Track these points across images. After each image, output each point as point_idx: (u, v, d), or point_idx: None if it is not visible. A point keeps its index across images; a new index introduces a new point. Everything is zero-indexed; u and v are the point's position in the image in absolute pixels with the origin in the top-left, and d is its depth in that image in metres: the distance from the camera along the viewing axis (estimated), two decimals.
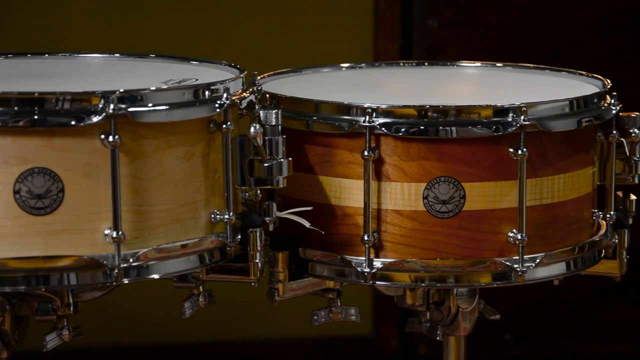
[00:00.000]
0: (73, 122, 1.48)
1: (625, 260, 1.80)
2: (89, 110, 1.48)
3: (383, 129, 1.64)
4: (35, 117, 1.47)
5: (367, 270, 1.67)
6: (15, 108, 1.46)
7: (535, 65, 1.97)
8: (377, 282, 1.67)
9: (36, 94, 1.47)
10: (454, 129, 1.64)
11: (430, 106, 1.64)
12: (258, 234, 1.64)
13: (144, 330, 2.79)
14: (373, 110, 1.64)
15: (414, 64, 2.05)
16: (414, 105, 1.65)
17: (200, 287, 1.70)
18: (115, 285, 1.57)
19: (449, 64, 2.03)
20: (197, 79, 1.66)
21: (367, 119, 1.64)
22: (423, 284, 1.69)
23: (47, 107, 1.47)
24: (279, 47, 2.73)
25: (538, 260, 1.68)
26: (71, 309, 1.64)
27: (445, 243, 1.65)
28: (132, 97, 1.51)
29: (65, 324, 1.65)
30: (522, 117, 1.64)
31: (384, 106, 1.64)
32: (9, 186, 1.47)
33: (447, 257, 1.66)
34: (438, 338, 1.84)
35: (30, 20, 2.59)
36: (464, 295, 1.79)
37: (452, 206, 1.65)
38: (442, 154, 1.64)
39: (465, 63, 2.02)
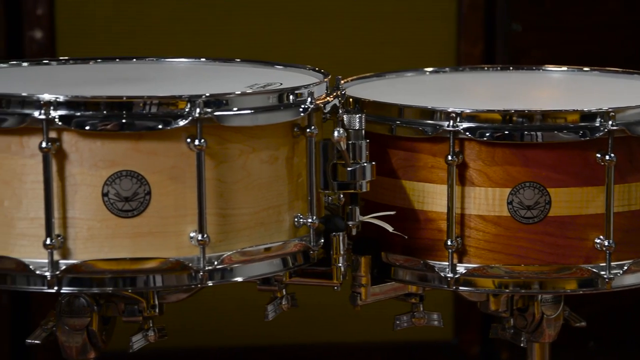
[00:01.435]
0: (160, 126, 1.50)
1: None
2: (175, 114, 1.50)
3: (467, 133, 1.63)
4: (124, 120, 1.49)
5: (450, 275, 1.66)
6: (104, 112, 1.49)
7: (624, 70, 1.94)
8: (460, 288, 1.66)
9: (124, 98, 1.50)
10: (539, 133, 1.62)
11: (515, 111, 1.63)
12: (341, 238, 1.65)
13: (227, 332, 2.81)
14: (457, 114, 1.63)
15: (499, 68, 2.03)
16: (498, 110, 1.64)
17: (284, 290, 1.71)
18: (200, 288, 1.59)
19: (534, 68, 2.01)
20: (281, 84, 1.67)
21: (451, 123, 1.63)
22: (507, 290, 1.67)
23: (135, 111, 1.50)
24: (362, 52, 2.73)
25: (626, 267, 1.66)
26: (157, 310, 1.66)
27: (530, 249, 1.64)
28: (218, 101, 1.52)
29: (151, 325, 1.67)
30: (610, 122, 1.62)
31: (468, 110, 1.63)
32: (97, 189, 1.50)
33: (532, 263, 1.64)
34: (522, 345, 1.82)
35: (117, 25, 2.63)
36: (549, 302, 1.77)
37: (537, 212, 1.63)
38: (527, 159, 1.63)
39: (551, 67, 2.00)
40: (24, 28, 2.59)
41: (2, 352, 2.62)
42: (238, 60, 1.87)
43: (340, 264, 1.65)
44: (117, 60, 1.90)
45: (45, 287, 1.50)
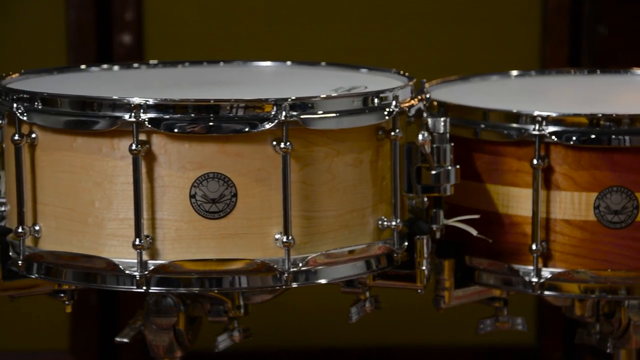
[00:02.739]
0: (247, 129, 1.52)
1: None
2: (262, 117, 1.52)
3: (553, 137, 1.62)
4: (211, 123, 1.51)
5: (535, 279, 1.65)
6: (192, 115, 1.51)
7: None
8: (545, 292, 1.65)
9: (212, 101, 1.52)
10: (627, 137, 1.60)
11: (602, 114, 1.62)
12: (425, 241, 1.65)
13: (310, 333, 2.83)
14: (543, 118, 1.63)
15: (585, 71, 2.01)
16: (585, 114, 1.62)
17: (367, 292, 1.71)
18: (285, 289, 1.61)
19: (621, 71, 1.98)
20: (366, 87, 1.68)
21: (536, 127, 1.63)
22: (593, 295, 1.66)
23: (222, 113, 1.52)
24: (446, 55, 2.72)
25: None
26: (242, 311, 1.68)
27: (617, 254, 1.62)
28: (304, 104, 1.54)
29: (236, 325, 1.69)
30: None
31: (554, 114, 1.62)
32: (185, 190, 1.53)
33: (619, 268, 1.62)
34: (608, 351, 1.80)
35: (204, 29, 2.66)
36: (636, 308, 1.75)
37: (624, 216, 1.62)
38: (615, 163, 1.61)
39: (639, 71, 1.97)
40: (113, 33, 2.64)
41: (91, 349, 2.68)
42: (323, 63, 1.89)
43: (424, 267, 1.65)
44: (205, 63, 1.92)
45: (134, 287, 1.53)
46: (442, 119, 1.63)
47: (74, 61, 2.59)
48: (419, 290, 1.66)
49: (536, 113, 1.63)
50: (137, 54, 2.64)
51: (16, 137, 1.56)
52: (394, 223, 1.62)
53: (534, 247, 1.64)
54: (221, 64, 1.92)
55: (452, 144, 1.64)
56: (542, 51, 2.78)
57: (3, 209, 1.68)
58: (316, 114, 1.54)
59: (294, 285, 1.55)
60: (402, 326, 2.83)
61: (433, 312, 1.76)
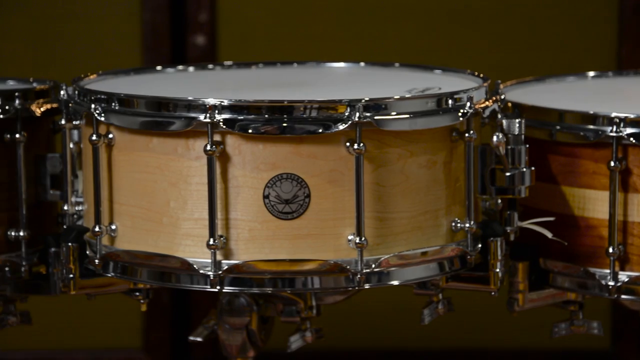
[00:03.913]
0: (320, 130, 1.52)
1: None
2: (335, 118, 1.52)
3: (631, 139, 1.59)
4: (285, 124, 1.52)
5: (611, 283, 1.63)
6: (266, 115, 1.52)
7: None
8: (622, 296, 1.63)
9: (285, 102, 1.52)
10: None
11: None
12: (499, 243, 1.63)
13: (382, 335, 2.82)
14: (621, 120, 1.60)
15: None
16: None
17: (440, 294, 1.71)
18: (357, 290, 1.60)
19: None
20: (440, 88, 1.67)
21: (614, 128, 1.60)
22: None
23: (295, 114, 1.52)
24: (521, 56, 2.70)
25: None
26: (314, 311, 1.68)
27: None
28: (377, 105, 1.53)
29: (308, 326, 1.69)
30: None
31: (632, 116, 1.60)
32: (259, 191, 1.53)
33: None
34: None
35: (277, 30, 2.67)
36: None
37: None
38: None
39: None
40: (187, 34, 2.66)
41: (164, 348, 2.70)
42: (397, 64, 1.88)
43: (497, 270, 1.64)
44: (279, 64, 1.93)
45: (208, 286, 1.54)
46: (517, 120, 1.62)
47: (148, 62, 2.62)
48: (493, 293, 1.65)
49: (613, 114, 1.61)
50: (210, 55, 2.66)
51: (94, 138, 1.58)
52: (467, 225, 1.61)
53: (610, 250, 1.62)
54: (295, 65, 1.93)
55: (527, 146, 1.62)
56: (619, 52, 2.74)
57: (80, 208, 1.70)
58: (390, 115, 1.54)
59: (367, 286, 1.55)
60: (475, 329, 2.81)
61: (506, 315, 1.75)
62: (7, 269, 1.67)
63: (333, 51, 2.65)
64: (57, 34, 2.60)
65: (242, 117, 1.52)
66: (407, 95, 1.59)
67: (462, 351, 2.83)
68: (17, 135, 1.67)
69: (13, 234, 1.67)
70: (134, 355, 2.70)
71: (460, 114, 1.58)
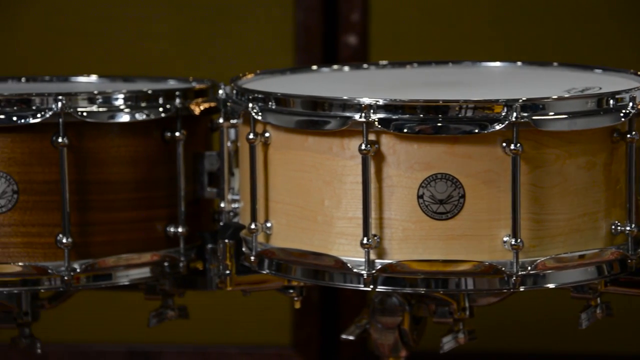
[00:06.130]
0: (476, 130, 1.50)
1: None
2: (491, 118, 1.50)
3: None
4: (439, 124, 1.51)
5: None
6: (421, 115, 1.51)
7: None
8: None
9: (441, 102, 1.51)
10: None
11: None
12: None
13: (536, 338, 2.78)
14: None
15: None
16: None
17: (598, 298, 1.67)
18: (512, 292, 1.58)
19: None
20: (600, 88, 1.63)
21: None
22: None
23: (450, 114, 1.51)
24: None
25: None
26: (467, 313, 1.67)
27: None
28: (534, 105, 1.51)
29: (461, 327, 1.68)
30: None
31: None
32: (413, 191, 1.53)
33: None
34: None
35: (431, 29, 2.65)
36: None
37: None
38: None
39: None
40: (339, 34, 2.68)
41: (313, 345, 2.72)
42: (556, 64, 1.85)
43: None
44: (433, 64, 1.92)
45: (362, 285, 1.55)
46: None
47: (300, 62, 2.65)
48: None
49: None
50: (362, 55, 2.67)
51: (251, 136, 1.61)
52: (628, 228, 1.57)
53: None
54: (450, 64, 1.91)
55: None
56: None
57: (236, 205, 1.73)
58: (547, 115, 1.51)
59: (522, 289, 1.53)
60: (635, 334, 2.74)
61: None
62: (166, 264, 1.71)
63: (485, 50, 2.62)
64: (210, 35, 2.65)
65: (396, 117, 1.51)
66: (565, 95, 1.56)
67: (620, 357, 2.76)
68: (177, 134, 1.71)
69: (172, 230, 1.71)
70: (284, 352, 2.73)
71: (622, 115, 1.54)
